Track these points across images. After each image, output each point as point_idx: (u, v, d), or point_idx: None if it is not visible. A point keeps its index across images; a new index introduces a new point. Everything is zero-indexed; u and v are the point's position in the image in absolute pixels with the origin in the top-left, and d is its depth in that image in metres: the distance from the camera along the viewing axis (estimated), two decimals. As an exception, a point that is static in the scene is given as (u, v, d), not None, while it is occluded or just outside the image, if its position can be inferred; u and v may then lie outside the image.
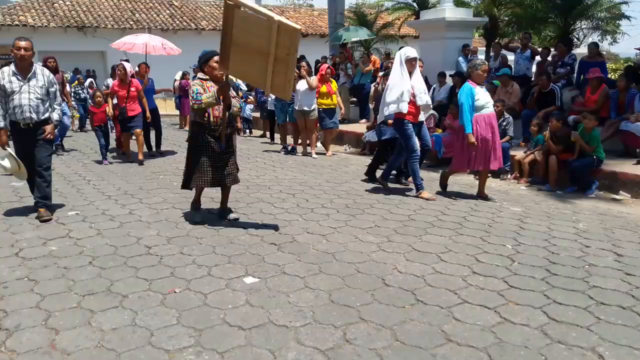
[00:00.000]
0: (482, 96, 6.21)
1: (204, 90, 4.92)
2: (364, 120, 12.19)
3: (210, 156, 5.02)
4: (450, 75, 10.52)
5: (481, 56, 13.04)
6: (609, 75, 11.47)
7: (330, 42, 16.27)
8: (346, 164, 8.89)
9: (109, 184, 7.13)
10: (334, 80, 10.05)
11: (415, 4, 17.77)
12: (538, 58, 11.02)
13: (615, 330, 3.14)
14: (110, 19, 21.63)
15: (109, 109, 8.77)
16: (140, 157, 8.66)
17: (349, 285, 3.78)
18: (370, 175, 7.43)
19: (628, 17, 17.05)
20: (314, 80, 9.36)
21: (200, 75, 5.14)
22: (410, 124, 6.38)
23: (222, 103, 4.93)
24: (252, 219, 5.43)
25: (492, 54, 11.94)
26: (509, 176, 7.73)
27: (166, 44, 11.87)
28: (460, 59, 11.59)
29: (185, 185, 5.24)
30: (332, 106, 9.59)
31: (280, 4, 34.54)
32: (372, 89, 12.44)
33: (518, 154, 7.79)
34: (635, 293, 3.66)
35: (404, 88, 6.28)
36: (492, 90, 9.60)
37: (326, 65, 10.02)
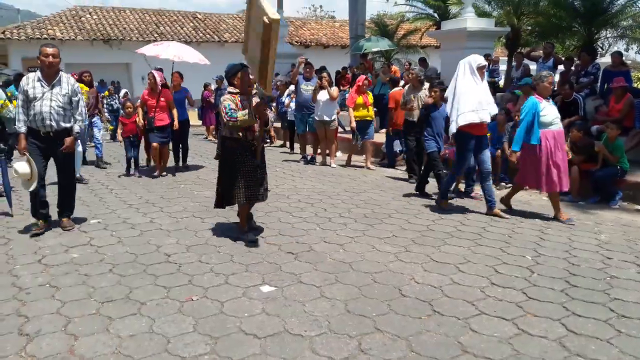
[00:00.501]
0: (550, 111, 5.83)
1: (236, 106, 4.81)
2: (383, 130, 12.17)
3: (248, 172, 4.90)
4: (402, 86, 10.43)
5: (503, 66, 12.95)
6: (634, 84, 11.25)
7: (351, 52, 16.33)
8: (365, 174, 8.88)
9: (131, 192, 7.25)
10: (369, 92, 9.77)
11: (436, 15, 17.72)
12: (561, 67, 10.89)
13: (636, 343, 3.08)
14: (135, 31, 22.08)
15: (139, 119, 8.43)
16: (158, 172, 8.48)
17: (365, 295, 3.77)
18: (421, 191, 7.15)
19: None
20: (334, 90, 9.43)
21: (230, 89, 5.00)
22: (473, 139, 5.96)
23: (258, 120, 4.92)
24: (270, 228, 5.46)
25: (514, 63, 11.84)
26: (530, 186, 7.62)
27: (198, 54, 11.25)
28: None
29: (222, 203, 5.15)
30: (369, 118, 9.32)
31: (302, 16, 34.84)
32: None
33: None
34: (659, 306, 3.58)
35: (481, 97, 5.87)
36: (515, 99, 9.52)
37: (363, 77, 9.74)
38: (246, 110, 4.80)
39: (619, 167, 6.76)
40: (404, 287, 3.91)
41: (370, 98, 9.47)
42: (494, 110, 6.09)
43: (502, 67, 12.96)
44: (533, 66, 11.68)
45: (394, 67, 13.89)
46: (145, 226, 5.55)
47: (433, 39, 16.29)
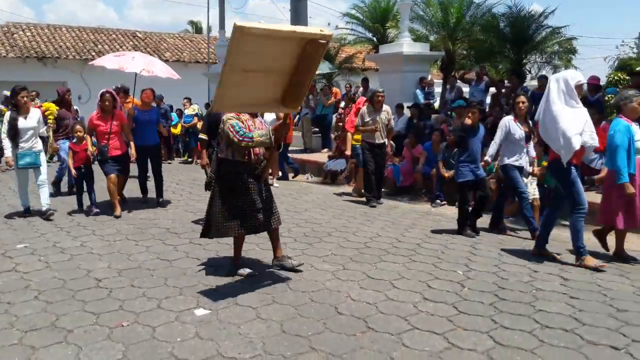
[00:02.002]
0: None
1: (243, 124, 4.37)
2: (325, 150, 12.35)
3: (253, 198, 4.41)
4: (407, 107, 10.78)
5: (438, 89, 13.44)
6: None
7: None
8: (306, 192, 8.93)
9: (62, 215, 6.95)
10: None
11: (375, 38, 18.25)
12: (493, 90, 11.44)
13: (557, 352, 3.23)
14: (71, 49, 21.41)
15: (89, 147, 7.15)
16: (117, 211, 6.91)
17: (301, 315, 3.77)
18: (474, 229, 6.22)
19: (575, 52, 17.91)
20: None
21: None
22: (576, 168, 5.06)
23: (273, 143, 4.41)
24: (207, 249, 5.38)
25: (448, 86, 12.33)
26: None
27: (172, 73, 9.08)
28: (418, 91, 11.93)
29: (216, 233, 4.53)
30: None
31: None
32: (334, 119, 12.70)
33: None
34: (578, 316, 3.77)
35: (586, 119, 4.95)
36: (449, 121, 9.89)
37: (364, 99, 9.18)
38: (264, 131, 4.38)
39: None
40: (340, 305, 3.94)
41: None
42: (595, 138, 5.01)
43: (437, 89, 13.45)
44: (466, 89, 12.20)
45: (335, 89, 14.15)
46: (75, 250, 5.34)
47: (372, 62, 16.71)
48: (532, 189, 6.50)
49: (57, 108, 8.93)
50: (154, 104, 8.53)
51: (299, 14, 16.61)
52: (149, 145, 7.65)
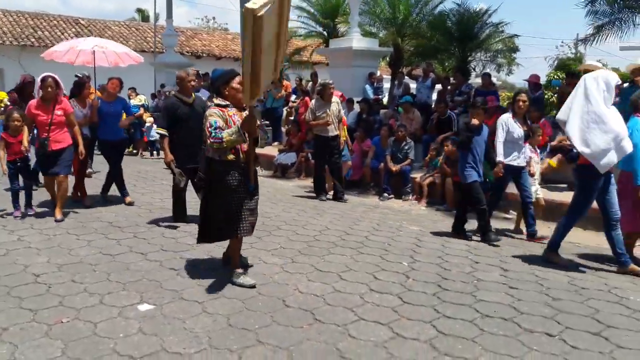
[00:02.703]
0: None
1: (225, 123, 3.99)
2: (276, 143, 12.28)
3: (245, 199, 4.12)
4: (357, 102, 10.89)
5: (386, 84, 13.64)
6: (502, 103, 12.36)
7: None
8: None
9: (-3, 209, 6.61)
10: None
11: (325, 33, 18.30)
12: (439, 86, 11.71)
13: (496, 340, 3.36)
14: (8, 35, 20.33)
15: (24, 141, 6.21)
16: (58, 214, 6.15)
17: (248, 309, 3.76)
18: (460, 231, 5.99)
19: (517, 50, 18.60)
20: None
21: (218, 100, 4.13)
22: (602, 177, 4.71)
23: (247, 139, 4.00)
24: (152, 243, 5.26)
25: (396, 82, 12.53)
26: (410, 197, 8.08)
27: (130, 52, 8.83)
28: (367, 86, 12.06)
29: (208, 238, 4.36)
30: (344, 138, 8.27)
31: (193, 26, 34.17)
32: (285, 112, 12.66)
33: (418, 176, 8.18)
34: (517, 305, 3.93)
35: (621, 122, 4.66)
36: (396, 116, 10.07)
37: (339, 93, 8.99)
38: (233, 129, 3.95)
39: (488, 179, 7.36)
40: (288, 298, 3.95)
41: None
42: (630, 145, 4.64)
43: (386, 85, 13.64)
44: (414, 85, 12.42)
45: (286, 82, 14.09)
46: (12, 245, 5.10)
47: (322, 56, 16.76)
48: (534, 189, 6.30)
49: (6, 96, 8.31)
50: (125, 95, 8.06)
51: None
52: (114, 140, 7.11)
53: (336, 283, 4.29)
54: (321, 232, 5.90)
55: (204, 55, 24.29)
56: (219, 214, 4.14)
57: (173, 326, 3.44)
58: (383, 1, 15.24)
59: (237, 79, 4.07)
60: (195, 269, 4.55)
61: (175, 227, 5.89)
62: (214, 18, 54.33)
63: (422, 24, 15.16)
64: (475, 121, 5.81)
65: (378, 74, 12.88)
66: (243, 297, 3.95)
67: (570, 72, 11.36)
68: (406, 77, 12.92)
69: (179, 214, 6.18)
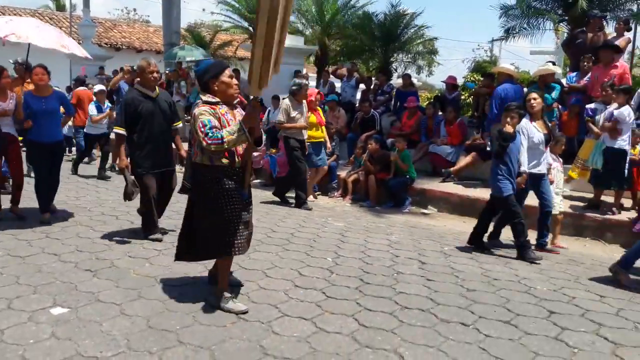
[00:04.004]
0: None
1: (219, 122, 3.50)
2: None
3: (239, 210, 3.63)
4: (283, 99, 10.87)
5: (312, 83, 13.74)
6: (421, 103, 12.81)
7: (164, 60, 15.87)
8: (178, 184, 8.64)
9: None
10: (319, 108, 8.23)
11: (251, 28, 18.11)
12: (363, 86, 11.95)
13: (414, 331, 3.49)
14: None
15: None
16: None
17: (169, 309, 3.67)
18: (478, 243, 5.58)
19: (437, 52, 19.34)
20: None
21: (206, 97, 3.61)
22: None
23: (250, 138, 3.50)
24: (66, 244, 5.00)
25: (321, 80, 12.65)
26: (335, 194, 8.21)
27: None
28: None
29: (186, 256, 3.91)
30: (322, 139, 7.88)
31: (113, 17, 32.70)
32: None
33: (343, 173, 8.33)
34: (434, 296, 4.11)
35: None
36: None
37: (316, 91, 8.50)
38: (233, 127, 3.45)
39: (408, 176, 7.63)
40: (210, 297, 3.89)
41: (322, 115, 8.18)
42: None
43: (312, 83, 13.74)
44: (338, 83, 12.60)
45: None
46: None
47: (248, 51, 16.60)
48: (558, 200, 5.88)
49: None
50: (60, 88, 6.83)
51: (171, -3, 15.99)
52: (47, 142, 5.74)
53: (261, 280, 4.28)
54: (246, 230, 5.86)
55: (124, 47, 23.36)
56: (208, 229, 3.62)
57: (89, 330, 3.30)
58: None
59: (228, 72, 3.63)
60: (113, 269, 4.38)
61: (159, 240, 5.24)
62: (134, 9, 52.27)
63: (348, 24, 15.38)
64: (509, 128, 5.26)
65: (304, 72, 12.94)
66: (164, 298, 3.85)
67: (485, 73, 11.98)
68: (331, 76, 13.07)
69: (150, 225, 5.31)
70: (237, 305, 3.67)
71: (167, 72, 14.82)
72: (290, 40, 12.19)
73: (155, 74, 5.15)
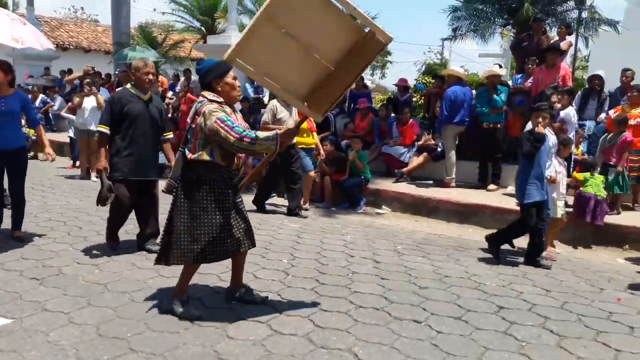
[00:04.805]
0: None
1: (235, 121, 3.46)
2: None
3: (228, 215, 3.56)
4: (238, 101, 10.80)
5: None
6: (375, 105, 12.97)
7: (114, 61, 15.48)
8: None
9: None
10: None
11: (203, 28, 17.93)
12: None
13: (368, 329, 3.53)
14: None
15: None
16: None
17: (120, 316, 3.58)
18: (497, 255, 5.37)
19: (389, 54, 19.67)
20: (101, 98, 8.84)
21: (212, 96, 3.51)
22: None
23: (277, 150, 3.44)
24: (11, 252, 4.79)
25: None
26: (291, 196, 8.20)
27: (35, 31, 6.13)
28: (247, 85, 12.04)
29: (179, 259, 3.61)
30: (313, 146, 7.57)
31: (59, 16, 31.56)
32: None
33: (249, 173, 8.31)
34: (387, 295, 4.17)
35: None
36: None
37: None
38: (270, 133, 3.39)
39: (362, 177, 7.71)
40: (163, 303, 3.82)
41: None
42: None
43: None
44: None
45: (162, 78, 13.59)
46: None
47: (200, 52, 16.40)
48: (561, 205, 5.74)
49: None
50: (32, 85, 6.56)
51: (119, -5, 15.59)
52: (9, 150, 5.03)
53: (215, 284, 4.23)
54: (200, 233, 5.78)
55: (71, 47, 22.63)
56: (193, 231, 3.49)
57: (35, 340, 3.18)
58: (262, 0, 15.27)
59: (232, 73, 3.55)
60: (61, 277, 4.24)
61: (114, 249, 4.98)
62: (82, 8, 50.53)
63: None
64: (541, 129, 5.03)
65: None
66: (114, 304, 3.76)
67: (436, 75, 12.26)
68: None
69: (111, 234, 5.03)
70: (189, 309, 3.61)
71: (117, 73, 14.45)
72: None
73: (150, 76, 4.81)
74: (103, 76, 13.90)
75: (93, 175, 8.92)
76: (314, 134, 7.59)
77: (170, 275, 4.38)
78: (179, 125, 9.87)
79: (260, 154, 3.87)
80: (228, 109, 3.51)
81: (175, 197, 3.61)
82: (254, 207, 6.99)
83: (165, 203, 4.20)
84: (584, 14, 10.94)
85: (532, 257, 5.21)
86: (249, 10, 15.42)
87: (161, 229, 3.96)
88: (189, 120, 3.56)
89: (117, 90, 5.65)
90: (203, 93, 3.57)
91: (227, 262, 4.73)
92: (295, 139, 6.81)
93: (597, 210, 5.95)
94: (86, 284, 4.12)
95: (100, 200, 4.79)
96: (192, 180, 3.51)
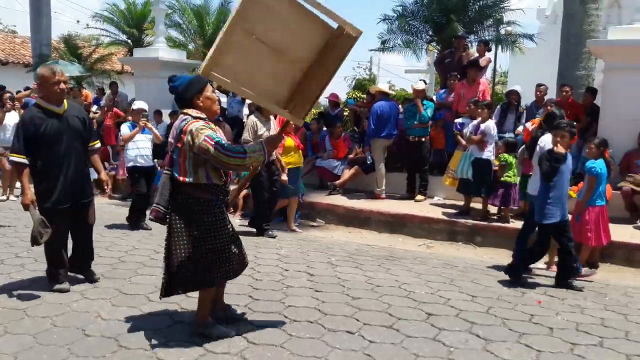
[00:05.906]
0: None
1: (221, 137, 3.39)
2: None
3: (226, 238, 3.47)
4: (168, 114, 10.57)
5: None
6: (307, 119, 13.11)
7: (36, 74, 14.73)
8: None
9: None
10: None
11: (130, 41, 17.46)
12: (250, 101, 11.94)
13: (302, 343, 3.53)
14: None
15: None
16: None
17: (41, 343, 3.39)
18: (518, 278, 5.13)
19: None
20: (14, 114, 8.42)
21: (196, 113, 3.37)
22: None
23: (266, 160, 3.48)
24: None
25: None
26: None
27: None
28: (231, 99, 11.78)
29: (172, 289, 3.54)
30: (300, 165, 7.32)
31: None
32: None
33: (232, 189, 8.23)
34: (321, 307, 4.19)
35: None
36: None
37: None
38: (254, 145, 3.43)
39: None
40: (88, 327, 3.65)
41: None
42: None
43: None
44: (224, 99, 12.48)
45: (85, 92, 13.10)
46: None
47: (127, 65, 15.96)
48: None
49: None
50: None
51: (40, 5, 14.90)
52: None
53: (144, 306, 4.09)
54: (127, 253, 5.59)
55: (-15, 59, 21.29)
56: (202, 259, 3.40)
57: (-58, 375, 2.95)
58: (190, 13, 15.09)
59: (210, 87, 3.46)
60: (-27, 305, 3.96)
61: (66, 290, 4.34)
62: (-3, 18, 47.92)
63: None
64: (560, 148, 4.85)
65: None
66: (34, 331, 3.55)
67: (367, 91, 12.56)
68: (217, 90, 12.91)
69: (56, 272, 4.42)
70: (220, 329, 3.57)
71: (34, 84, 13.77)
72: (171, 54, 11.92)
73: (62, 85, 4.23)
74: (22, 90, 13.19)
75: (12, 195, 8.46)
76: (300, 152, 7.35)
77: (96, 297, 4.22)
78: (104, 141, 9.53)
79: (249, 168, 3.80)
80: (213, 125, 3.42)
81: (170, 225, 3.44)
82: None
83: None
84: (502, 32, 11.64)
85: (564, 278, 5.04)
86: (177, 24, 15.18)
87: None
88: (172, 140, 3.42)
89: (25, 110, 5.11)
90: (185, 111, 3.41)
91: (157, 282, 4.61)
92: (283, 160, 6.82)
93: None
94: (2, 310, 3.87)
95: (34, 240, 4.10)
96: (188, 204, 3.38)
